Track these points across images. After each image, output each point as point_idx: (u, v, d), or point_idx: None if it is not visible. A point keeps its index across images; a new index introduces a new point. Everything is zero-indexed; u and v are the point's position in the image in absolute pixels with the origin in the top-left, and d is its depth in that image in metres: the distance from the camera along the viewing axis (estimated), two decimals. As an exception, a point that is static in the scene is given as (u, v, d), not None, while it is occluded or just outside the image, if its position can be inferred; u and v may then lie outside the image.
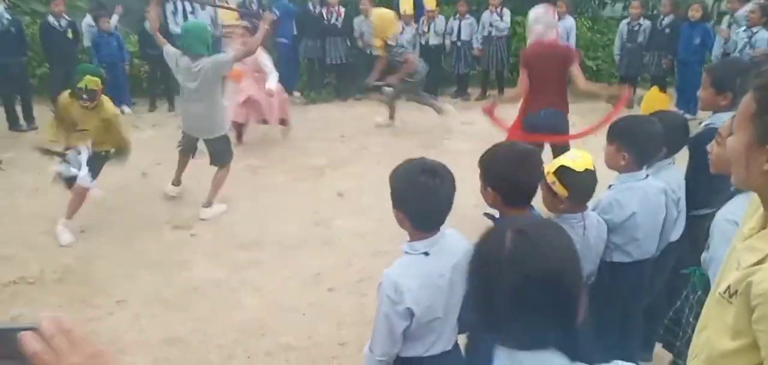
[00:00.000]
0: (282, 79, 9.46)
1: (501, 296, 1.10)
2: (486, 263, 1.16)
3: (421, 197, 1.86)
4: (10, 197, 5.60)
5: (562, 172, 2.32)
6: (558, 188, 2.33)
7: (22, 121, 8.03)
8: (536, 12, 4.82)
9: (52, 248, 4.59)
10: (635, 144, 2.47)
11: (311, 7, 9.33)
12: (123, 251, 4.56)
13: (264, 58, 6.63)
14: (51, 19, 7.98)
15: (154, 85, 8.96)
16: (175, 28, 8.25)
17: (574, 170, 2.30)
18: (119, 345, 3.43)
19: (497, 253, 1.12)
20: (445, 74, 9.72)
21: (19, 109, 8.02)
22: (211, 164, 5.23)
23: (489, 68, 9.42)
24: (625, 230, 2.53)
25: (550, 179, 2.34)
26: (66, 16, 8.05)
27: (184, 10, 8.76)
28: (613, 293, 2.56)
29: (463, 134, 7.25)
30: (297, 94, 9.56)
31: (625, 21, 8.78)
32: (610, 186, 2.60)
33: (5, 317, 3.70)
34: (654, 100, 3.84)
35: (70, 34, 8.03)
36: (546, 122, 4.65)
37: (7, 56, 7.63)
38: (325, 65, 9.50)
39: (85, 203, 5.11)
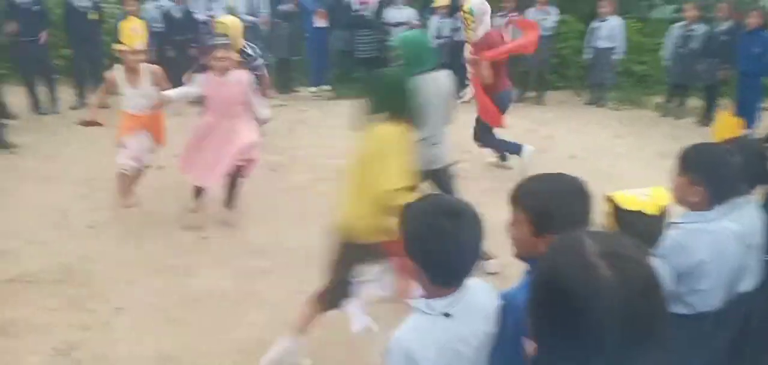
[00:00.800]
0: (313, 72, 9.28)
1: (605, 332, 0.99)
2: (576, 301, 1.01)
3: (439, 245, 1.47)
4: (19, 184, 5.41)
5: (615, 205, 1.92)
6: (609, 220, 1.93)
7: (43, 104, 7.88)
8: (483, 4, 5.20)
9: (55, 244, 4.35)
10: (714, 178, 2.05)
11: (341, -6, 8.99)
12: (128, 251, 4.29)
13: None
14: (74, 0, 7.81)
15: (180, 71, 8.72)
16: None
17: (621, 207, 1.89)
18: (108, 361, 3.15)
19: (591, 285, 1.00)
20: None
21: (41, 92, 7.89)
22: None
23: (530, 68, 8.90)
24: (688, 279, 2.10)
25: (606, 204, 1.94)
26: (90, -3, 7.88)
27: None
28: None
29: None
30: (326, 87, 9.26)
31: (678, 24, 8.18)
32: (672, 224, 2.17)
33: (0, 319, 3.47)
34: (727, 125, 3.35)
35: (94, 16, 7.82)
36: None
37: (30, 35, 7.48)
38: (355, 58, 9.15)
39: (97, 197, 4.92)
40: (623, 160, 6.34)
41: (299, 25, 9.02)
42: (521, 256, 1.74)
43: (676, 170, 2.14)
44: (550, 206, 1.60)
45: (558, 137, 6.97)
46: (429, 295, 1.55)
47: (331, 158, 6.16)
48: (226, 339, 3.37)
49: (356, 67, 9.31)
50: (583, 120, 7.30)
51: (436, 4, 8.70)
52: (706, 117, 7.75)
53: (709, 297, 2.15)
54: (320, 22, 8.89)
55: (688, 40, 7.89)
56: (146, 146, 4.86)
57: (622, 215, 1.88)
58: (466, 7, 5.30)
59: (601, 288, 0.99)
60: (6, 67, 9.03)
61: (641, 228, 1.86)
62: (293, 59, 9.28)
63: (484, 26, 5.24)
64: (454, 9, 8.31)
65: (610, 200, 1.92)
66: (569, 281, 1.03)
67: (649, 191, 1.90)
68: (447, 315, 1.50)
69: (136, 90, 4.71)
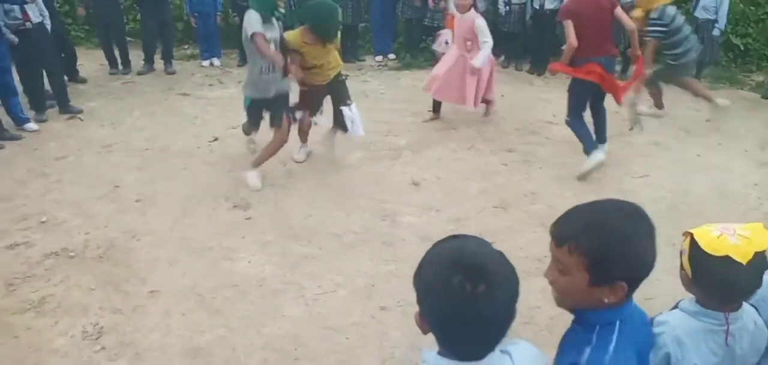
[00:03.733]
0: (378, 41, 8.91)
1: None
2: None
3: (451, 310, 1.11)
4: (78, 153, 5.46)
5: (694, 243, 1.49)
6: (685, 261, 1.52)
7: (119, 65, 8.09)
8: None
9: (102, 217, 4.32)
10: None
11: (413, -39, 8.52)
12: (171, 229, 4.19)
13: (481, 25, 5.61)
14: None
15: (245, 39, 8.63)
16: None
17: (704, 251, 1.46)
18: (135, 350, 3.04)
19: None
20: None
21: (117, 53, 8.06)
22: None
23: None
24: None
25: (684, 244, 1.52)
26: (158, -39, 7.88)
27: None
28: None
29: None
30: (391, 56, 8.89)
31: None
32: None
33: (36, 295, 3.44)
34: None
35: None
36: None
37: (104, 0, 7.65)
38: (424, 27, 8.70)
39: (149, 169, 4.88)
40: (715, 151, 5.62)
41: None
42: (567, 306, 1.38)
43: None
44: (616, 247, 1.25)
45: (641, 119, 6.29)
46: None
47: (385, 135, 5.86)
48: (260, 334, 3.18)
49: (425, 36, 8.87)
50: (671, 100, 6.55)
51: None
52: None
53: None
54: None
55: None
56: None
57: (703, 260, 1.46)
58: None
59: None
60: (82, 31, 9.31)
61: (728, 277, 1.44)
62: (360, 26, 8.96)
63: None
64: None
65: (690, 237, 1.50)
66: None
67: (742, 228, 1.46)
68: None
69: None
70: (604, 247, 1.25)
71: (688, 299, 1.62)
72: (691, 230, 1.51)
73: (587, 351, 1.27)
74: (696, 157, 5.46)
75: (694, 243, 1.48)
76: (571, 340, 1.35)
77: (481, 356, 1.17)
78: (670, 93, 6.44)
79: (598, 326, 1.30)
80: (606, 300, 1.27)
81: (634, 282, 1.29)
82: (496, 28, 7.91)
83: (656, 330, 1.53)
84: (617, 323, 1.30)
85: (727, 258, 1.41)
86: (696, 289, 1.54)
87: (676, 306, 1.62)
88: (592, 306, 1.31)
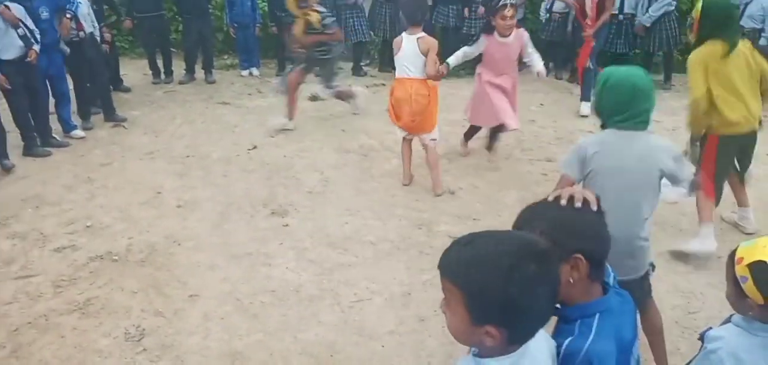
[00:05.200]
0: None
1: None
2: None
3: (530, 297, 1.14)
4: (122, 160, 5.62)
5: (759, 269, 1.44)
6: (749, 288, 1.46)
7: (162, 74, 8.32)
8: None
9: (144, 222, 4.43)
10: None
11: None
12: (211, 235, 4.26)
13: (528, 38, 5.04)
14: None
15: (283, 49, 8.77)
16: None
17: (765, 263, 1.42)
18: (176, 353, 3.09)
19: None
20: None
21: (160, 63, 8.30)
22: None
23: (653, 49, 7.95)
24: None
25: (741, 271, 1.48)
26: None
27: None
28: None
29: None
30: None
31: None
32: None
33: (81, 297, 3.54)
34: None
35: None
36: None
37: (150, 10, 7.87)
38: (462, 35, 8.67)
39: (190, 176, 4.98)
40: (755, 161, 5.41)
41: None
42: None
43: None
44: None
45: (684, 129, 6.10)
46: (489, 353, 1.21)
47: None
48: (296, 339, 3.20)
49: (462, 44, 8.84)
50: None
51: None
52: None
53: None
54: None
55: None
56: None
57: (756, 269, 1.40)
58: None
59: None
60: (126, 41, 9.60)
61: None
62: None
63: None
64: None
65: (746, 259, 1.45)
66: None
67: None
68: None
69: None
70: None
71: (741, 318, 1.56)
72: (751, 255, 1.44)
73: (569, 340, 1.35)
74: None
75: (760, 268, 1.42)
76: (557, 335, 1.41)
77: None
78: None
79: (580, 319, 1.38)
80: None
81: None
82: (537, 36, 7.83)
83: (710, 346, 1.49)
84: (597, 315, 1.38)
85: None
86: (761, 312, 1.48)
87: (728, 320, 1.56)
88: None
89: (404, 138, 4.93)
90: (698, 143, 3.85)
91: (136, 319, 3.35)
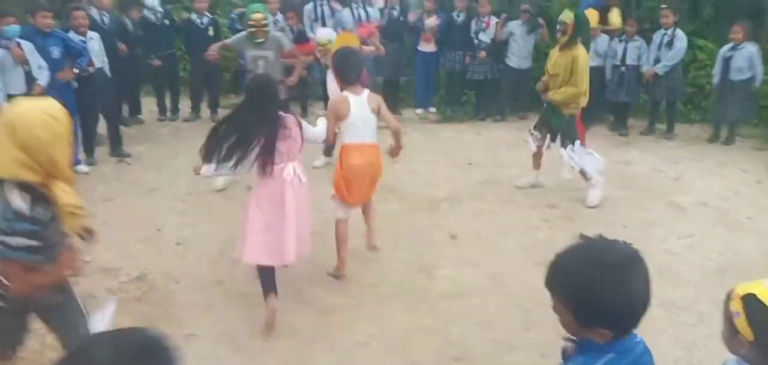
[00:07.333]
0: (419, 94, 9.01)
1: None
2: None
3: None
4: (124, 196, 5.64)
5: (752, 303, 1.44)
6: (741, 324, 1.45)
7: (168, 111, 8.40)
8: None
9: (144, 259, 4.42)
10: None
11: (455, 16, 8.65)
12: (209, 273, 4.25)
13: None
14: (193, 16, 8.18)
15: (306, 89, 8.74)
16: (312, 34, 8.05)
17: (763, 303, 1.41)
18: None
19: None
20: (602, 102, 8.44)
21: (167, 100, 8.39)
22: None
23: (659, 98, 7.98)
24: None
25: (734, 305, 1.47)
26: (208, 14, 8.20)
27: (323, 15, 8.54)
28: None
29: (620, 177, 6.11)
30: (432, 110, 8.96)
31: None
32: None
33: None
34: None
35: (210, 32, 8.11)
36: None
37: (160, 49, 7.97)
38: (466, 81, 8.77)
39: (190, 213, 4.96)
40: (766, 213, 5.40)
41: (410, 43, 8.85)
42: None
43: None
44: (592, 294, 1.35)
45: (687, 179, 6.13)
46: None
47: (424, 186, 5.85)
48: (288, 384, 3.16)
49: (466, 90, 8.95)
50: (719, 160, 6.37)
51: None
52: None
53: None
54: (426, 46, 8.66)
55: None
56: None
57: (748, 304, 1.40)
58: None
59: None
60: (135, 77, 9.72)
61: (763, 323, 1.39)
62: (402, 80, 9.09)
63: None
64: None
65: (744, 297, 1.44)
66: None
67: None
68: None
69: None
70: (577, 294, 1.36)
71: (735, 360, 1.55)
72: (745, 289, 1.45)
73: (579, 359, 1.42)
74: (746, 219, 5.25)
75: (753, 302, 1.43)
76: (570, 360, 1.47)
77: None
78: (721, 153, 6.23)
79: (594, 352, 1.40)
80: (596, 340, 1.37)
81: (618, 329, 1.36)
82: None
83: None
84: (611, 354, 1.38)
85: None
86: (757, 352, 1.46)
87: None
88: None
89: (344, 220, 4.24)
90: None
91: (130, 358, 3.31)
